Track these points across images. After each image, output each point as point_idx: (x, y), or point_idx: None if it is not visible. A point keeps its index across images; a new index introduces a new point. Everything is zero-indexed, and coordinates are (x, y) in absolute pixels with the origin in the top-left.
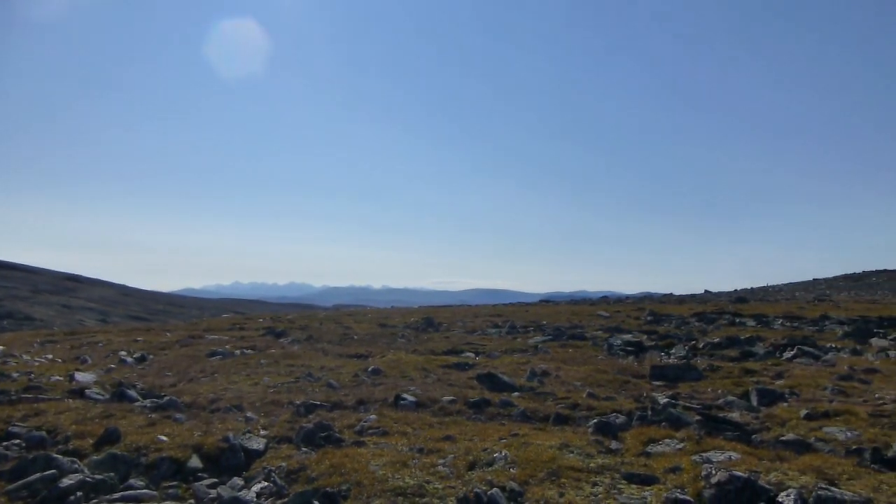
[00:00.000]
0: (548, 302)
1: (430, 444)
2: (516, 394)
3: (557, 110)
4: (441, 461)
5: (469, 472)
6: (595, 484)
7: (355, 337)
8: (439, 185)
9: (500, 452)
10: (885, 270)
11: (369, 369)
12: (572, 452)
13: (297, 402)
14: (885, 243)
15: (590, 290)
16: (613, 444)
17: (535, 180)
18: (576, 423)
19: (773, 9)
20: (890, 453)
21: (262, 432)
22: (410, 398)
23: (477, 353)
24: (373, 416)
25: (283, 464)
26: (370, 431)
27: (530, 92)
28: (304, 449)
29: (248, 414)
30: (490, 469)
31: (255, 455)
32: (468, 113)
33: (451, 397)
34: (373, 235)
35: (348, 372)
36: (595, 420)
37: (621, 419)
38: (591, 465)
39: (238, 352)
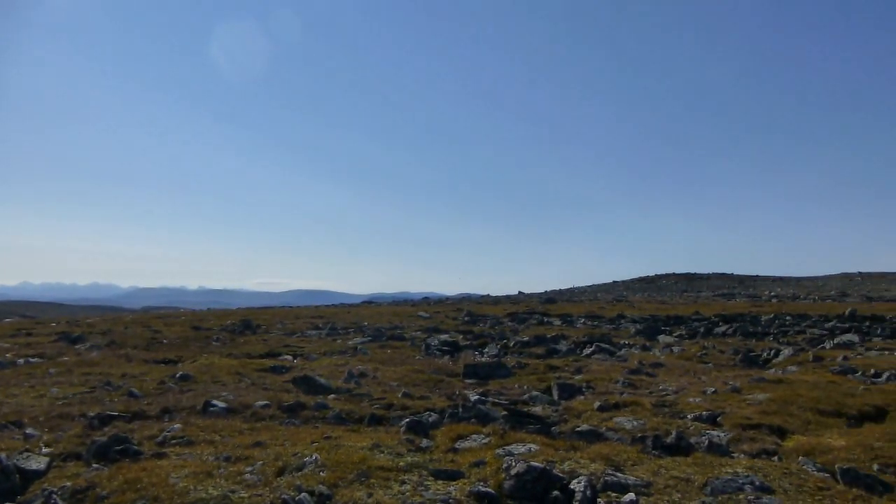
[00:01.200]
0: (371, 303)
1: (239, 452)
2: (332, 396)
3: (382, 111)
4: (249, 469)
5: (278, 479)
6: (403, 482)
7: (164, 341)
8: (261, 184)
9: (311, 456)
10: (673, 274)
11: (178, 375)
12: (383, 452)
13: (91, 415)
14: (674, 249)
15: (413, 292)
16: (424, 442)
17: (361, 181)
18: (390, 424)
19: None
20: (669, 440)
21: (45, 450)
22: (221, 404)
23: (295, 356)
24: (177, 426)
25: (68, 483)
26: (173, 442)
27: (357, 91)
28: (95, 465)
29: (29, 430)
30: (300, 474)
31: (33, 476)
32: (293, 111)
33: (265, 402)
34: (189, 233)
35: (154, 379)
36: (408, 419)
37: (434, 417)
38: (401, 463)
39: (22, 360)
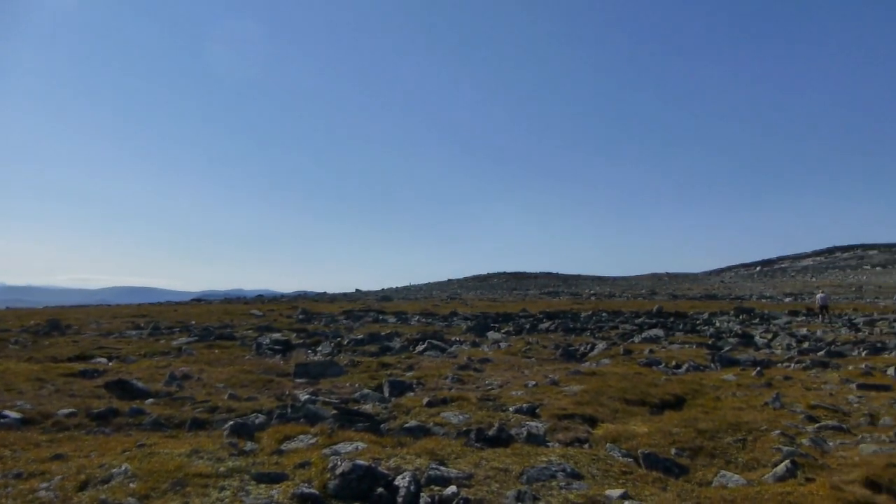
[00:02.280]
0: (200, 301)
1: (33, 467)
2: (151, 401)
3: (219, 99)
4: (44, 485)
5: (79, 494)
6: (223, 488)
7: None
8: (73, 168)
9: (121, 467)
10: (504, 273)
11: None
12: (203, 458)
13: None
14: (505, 248)
15: (246, 289)
16: (249, 446)
17: (193, 174)
18: (213, 427)
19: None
20: (491, 432)
21: None
22: (14, 415)
23: (110, 359)
24: None
25: None
26: None
27: (188, 77)
28: None
29: None
30: (106, 486)
31: None
32: (113, 97)
33: (71, 410)
34: None
35: None
36: (232, 422)
37: (261, 419)
38: (222, 469)
39: None
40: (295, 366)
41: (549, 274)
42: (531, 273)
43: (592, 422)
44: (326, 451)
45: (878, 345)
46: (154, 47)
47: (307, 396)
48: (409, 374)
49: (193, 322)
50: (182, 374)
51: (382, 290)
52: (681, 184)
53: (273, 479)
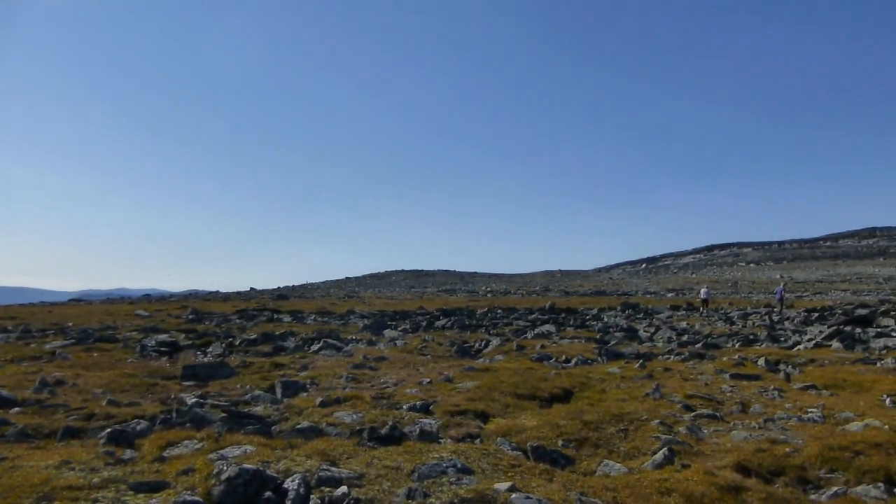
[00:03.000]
0: (79, 301)
1: None
2: (17, 410)
3: (98, 89)
4: None
5: None
6: (96, 500)
7: None
8: None
9: None
10: (402, 270)
11: None
12: (74, 470)
13: None
14: (404, 246)
15: (131, 288)
16: (128, 454)
17: (70, 166)
18: (88, 436)
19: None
20: (384, 430)
21: None
22: None
23: None
24: None
25: None
26: None
27: (63, 64)
28: None
29: None
30: None
31: None
32: None
33: None
34: None
35: None
36: (110, 430)
37: (143, 425)
38: (96, 480)
39: None
40: (182, 368)
41: (446, 272)
42: (429, 271)
43: (484, 417)
44: (213, 456)
45: (751, 337)
46: None
47: (194, 400)
48: (302, 373)
49: (70, 324)
50: (55, 380)
51: (278, 288)
52: (574, 184)
53: (153, 487)
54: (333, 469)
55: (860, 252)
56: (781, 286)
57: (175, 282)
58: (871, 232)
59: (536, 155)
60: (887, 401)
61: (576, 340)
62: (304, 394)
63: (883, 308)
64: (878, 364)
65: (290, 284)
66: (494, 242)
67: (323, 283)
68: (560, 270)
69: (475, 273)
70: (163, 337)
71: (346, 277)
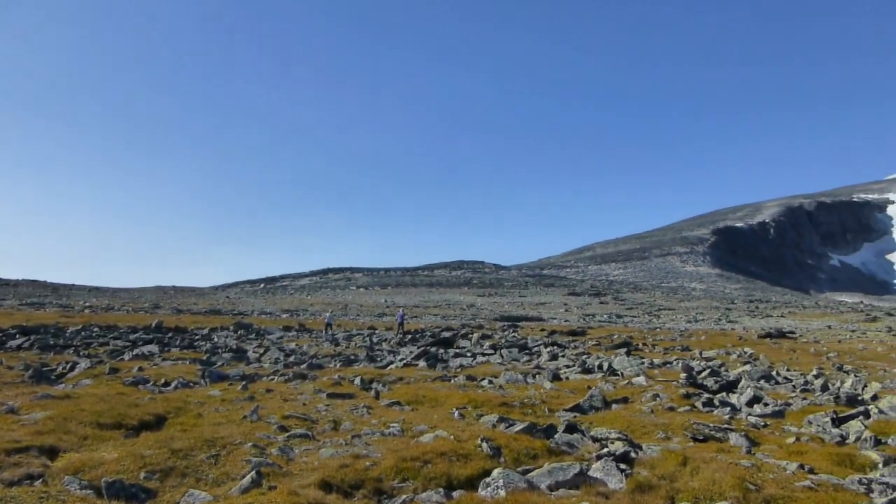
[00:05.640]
0: None
1: None
2: None
3: None
4: None
5: None
6: None
7: None
8: None
9: None
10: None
11: None
12: None
13: None
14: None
15: None
16: None
17: None
18: None
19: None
20: None
21: None
22: None
23: None
24: None
25: None
26: None
27: None
28: None
29: None
30: None
31: None
32: None
33: None
34: None
35: None
36: None
37: None
38: None
39: None
40: None
41: (33, 281)
42: (9, 280)
43: (53, 453)
44: None
45: (352, 357)
46: None
47: None
48: None
49: None
50: None
51: None
52: (187, 197)
53: None
54: None
55: (451, 281)
56: (401, 311)
57: None
58: (460, 264)
59: (148, 164)
60: (456, 413)
61: (180, 362)
62: None
63: (463, 331)
64: (452, 381)
65: None
66: (103, 253)
67: None
68: (174, 287)
69: (72, 285)
70: None
71: None
